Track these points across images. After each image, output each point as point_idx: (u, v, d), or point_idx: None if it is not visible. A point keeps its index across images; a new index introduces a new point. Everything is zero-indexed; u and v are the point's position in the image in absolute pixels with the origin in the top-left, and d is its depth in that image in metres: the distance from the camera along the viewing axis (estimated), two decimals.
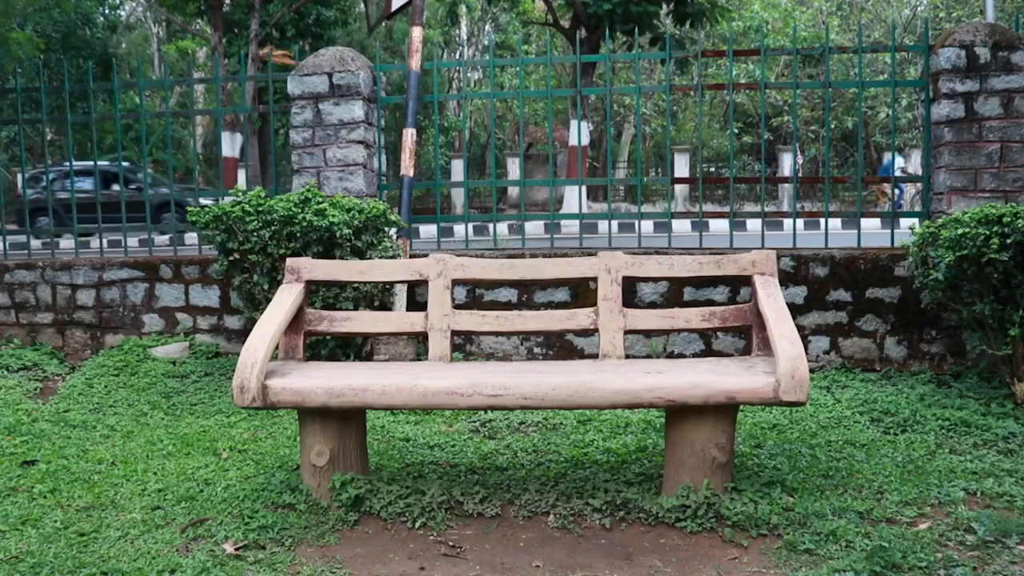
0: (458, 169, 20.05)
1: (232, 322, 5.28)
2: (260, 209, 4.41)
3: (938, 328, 4.61)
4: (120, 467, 3.43)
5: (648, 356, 4.86)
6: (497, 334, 3.34)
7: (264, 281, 4.45)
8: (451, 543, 2.70)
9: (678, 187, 18.67)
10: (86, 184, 14.10)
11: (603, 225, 13.07)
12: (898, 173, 15.35)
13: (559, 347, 4.96)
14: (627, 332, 3.23)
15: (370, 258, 4.53)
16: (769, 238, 5.31)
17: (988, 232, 3.68)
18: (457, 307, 4.87)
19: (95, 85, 5.73)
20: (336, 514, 2.86)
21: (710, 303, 4.77)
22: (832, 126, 21.54)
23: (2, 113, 17.50)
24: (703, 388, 2.70)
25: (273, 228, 4.38)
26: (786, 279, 4.74)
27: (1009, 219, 3.67)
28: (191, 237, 11.02)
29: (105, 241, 6.44)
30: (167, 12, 17.53)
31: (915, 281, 4.25)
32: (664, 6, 14.66)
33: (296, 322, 3.24)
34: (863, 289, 4.68)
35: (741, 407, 3.75)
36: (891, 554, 2.45)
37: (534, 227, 13.05)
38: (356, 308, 4.46)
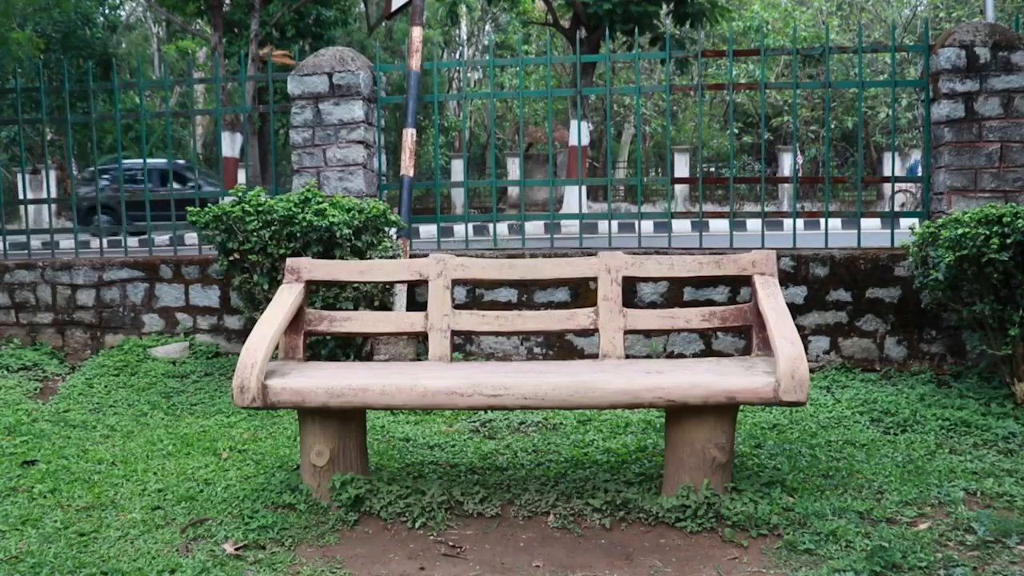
0: (458, 169, 20.05)
1: (232, 322, 5.28)
2: (260, 209, 4.41)
3: (938, 328, 4.61)
4: (120, 467, 3.43)
5: (648, 356, 4.86)
6: (497, 334, 3.34)
7: (264, 281, 4.45)
8: (451, 543, 2.70)
9: (678, 187, 18.68)
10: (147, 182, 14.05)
11: (603, 225, 13.07)
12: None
13: (559, 347, 4.96)
14: (627, 332, 3.23)
15: (370, 258, 4.53)
16: (769, 238, 5.31)
17: (988, 232, 3.68)
18: (457, 307, 4.87)
19: (95, 85, 5.74)
20: (336, 514, 2.86)
21: (710, 303, 4.77)
22: (832, 126, 21.55)
23: (2, 113, 17.50)
24: (703, 388, 2.70)
25: (273, 228, 4.38)
26: (786, 279, 4.74)
27: (1009, 219, 3.67)
28: (191, 237, 11.03)
29: (106, 241, 6.43)
30: (167, 12, 17.53)
31: (915, 281, 4.25)
32: (664, 6, 14.66)
33: (296, 322, 3.24)
34: (863, 289, 4.68)
35: (741, 407, 3.75)
36: (891, 554, 2.45)
37: (534, 227, 13.05)
38: (356, 308, 4.46)
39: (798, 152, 21.31)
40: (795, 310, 4.69)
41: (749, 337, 3.29)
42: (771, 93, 21.04)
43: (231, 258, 4.50)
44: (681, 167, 19.30)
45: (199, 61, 24.72)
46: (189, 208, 4.59)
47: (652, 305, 4.83)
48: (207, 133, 24.62)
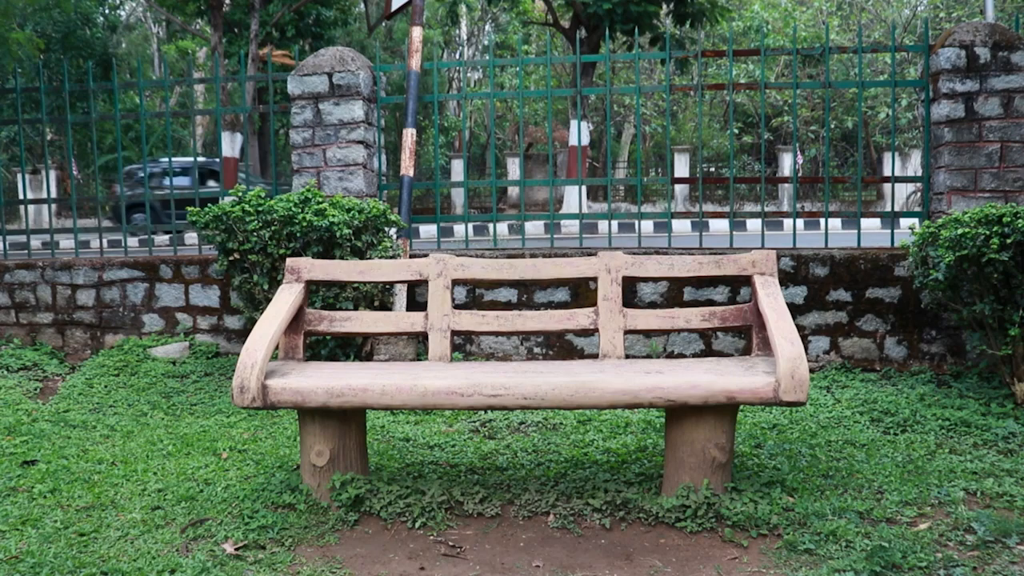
0: (458, 169, 20.05)
1: (232, 322, 5.28)
2: (260, 209, 4.41)
3: (938, 328, 4.61)
4: (120, 467, 3.43)
5: (648, 356, 4.86)
6: (497, 334, 3.34)
7: (264, 281, 4.45)
8: (451, 543, 2.70)
9: (678, 187, 18.68)
10: (184, 180, 13.89)
11: (603, 225, 13.08)
12: None
13: (559, 347, 4.96)
14: (627, 332, 3.24)
15: (370, 258, 4.53)
16: (769, 238, 5.31)
17: (988, 232, 3.68)
18: (457, 307, 4.87)
19: (95, 85, 5.73)
20: (336, 514, 2.86)
21: (710, 303, 4.77)
22: (832, 126, 21.54)
23: (2, 113, 17.51)
24: (703, 388, 2.70)
25: (273, 228, 4.38)
26: (786, 279, 4.74)
27: (1009, 219, 3.67)
28: (191, 237, 11.03)
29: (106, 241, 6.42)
30: (167, 12, 17.54)
31: (915, 281, 4.25)
32: (664, 6, 14.65)
33: (296, 322, 3.25)
34: (863, 289, 4.68)
35: (741, 407, 3.75)
36: (891, 554, 2.45)
37: (534, 227, 13.06)
38: (356, 308, 4.46)
39: (798, 152, 21.30)
40: (795, 310, 4.69)
41: (749, 337, 3.29)
42: (771, 93, 21.04)
43: (231, 258, 4.50)
44: (681, 167, 19.30)
45: (199, 61, 24.73)
46: (191, 209, 4.59)
47: (652, 305, 4.83)
48: (207, 133, 24.62)
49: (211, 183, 14.37)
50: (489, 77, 7.22)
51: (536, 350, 4.98)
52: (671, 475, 2.88)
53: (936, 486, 3.02)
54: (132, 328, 5.41)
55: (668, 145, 5.24)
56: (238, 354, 3.28)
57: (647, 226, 13.66)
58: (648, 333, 3.70)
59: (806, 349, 4.69)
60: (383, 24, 24.02)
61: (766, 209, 8.95)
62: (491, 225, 13.23)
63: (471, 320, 3.29)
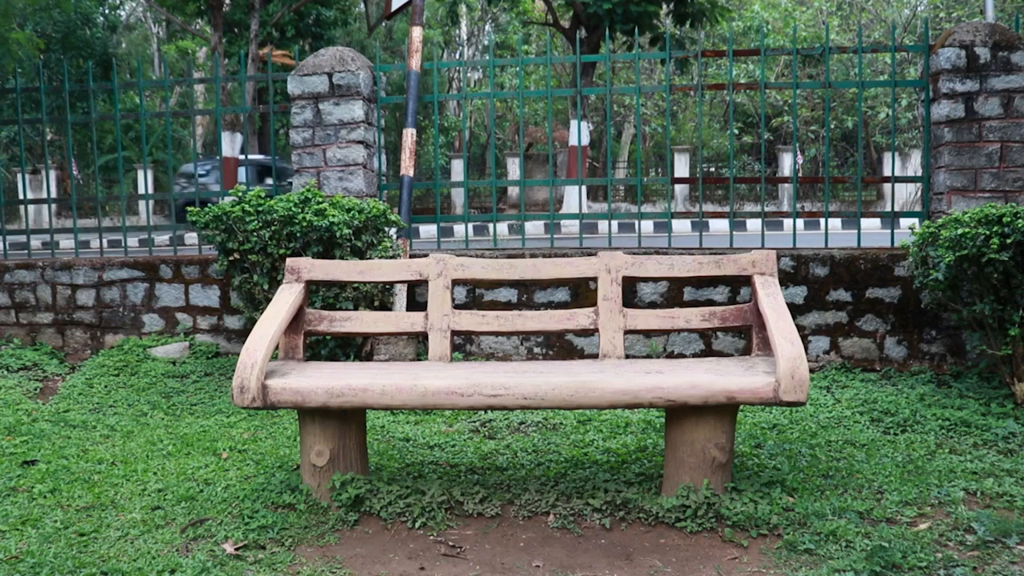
0: (458, 169, 20.05)
1: (232, 322, 5.28)
2: (260, 209, 4.41)
3: (938, 328, 4.61)
4: (120, 467, 3.43)
5: (648, 356, 4.86)
6: (497, 334, 3.34)
7: (264, 281, 4.45)
8: (451, 543, 2.70)
9: (678, 187, 18.67)
10: (239, 178, 13.80)
11: (603, 225, 13.08)
12: None
13: (559, 347, 4.96)
14: (627, 332, 3.24)
15: (370, 258, 4.53)
16: (769, 238, 5.31)
17: (988, 232, 3.69)
18: (457, 307, 4.87)
19: (95, 85, 5.73)
20: (336, 514, 2.86)
21: (710, 303, 4.77)
22: (832, 126, 21.54)
23: (2, 113, 17.50)
24: (703, 388, 2.70)
25: (273, 228, 4.39)
26: (786, 279, 4.74)
27: (1009, 219, 3.67)
28: (191, 237, 11.03)
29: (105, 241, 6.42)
30: (167, 12, 17.54)
31: (915, 281, 4.25)
32: (664, 6, 14.65)
33: (296, 322, 3.25)
34: (863, 289, 4.68)
35: (741, 407, 3.75)
36: (891, 554, 2.45)
37: (534, 227, 13.06)
38: (356, 308, 4.46)
39: (798, 152, 21.30)
40: (795, 310, 4.69)
41: (749, 337, 3.29)
42: (771, 93, 21.04)
43: (231, 258, 4.50)
44: (681, 167, 19.29)
45: (199, 61, 24.73)
46: (190, 209, 4.59)
47: (652, 305, 4.83)
48: (207, 133, 24.62)
49: (268, 180, 14.36)
50: (489, 77, 7.22)
51: (536, 350, 4.98)
52: (671, 475, 2.88)
53: (936, 486, 3.02)
54: (132, 328, 5.41)
55: (668, 145, 5.24)
56: (238, 354, 3.28)
57: (647, 226, 13.66)
58: (648, 333, 3.70)
59: (806, 349, 4.69)
60: (383, 24, 24.02)
61: (766, 209, 8.95)
62: (491, 225, 13.23)
63: (471, 320, 3.29)
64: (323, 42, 18.84)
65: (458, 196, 19.42)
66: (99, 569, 2.50)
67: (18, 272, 5.53)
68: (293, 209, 4.39)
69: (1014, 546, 2.55)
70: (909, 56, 18.16)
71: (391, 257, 4.70)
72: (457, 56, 27.45)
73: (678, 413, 2.82)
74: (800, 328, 4.69)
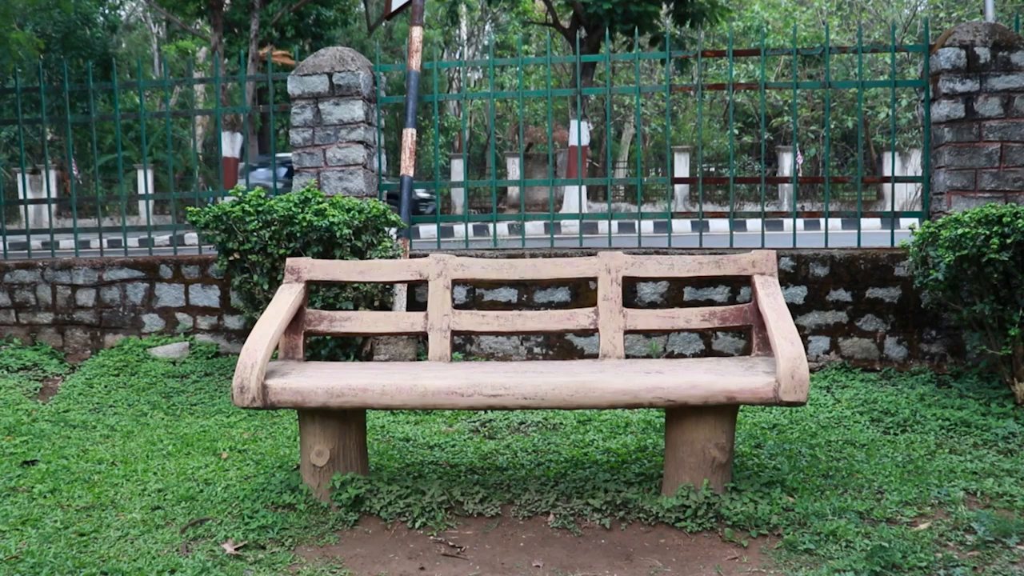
0: (458, 169, 20.05)
1: (232, 322, 5.28)
2: (260, 209, 4.41)
3: (938, 328, 4.61)
4: (120, 467, 3.43)
5: (648, 356, 4.86)
6: (497, 334, 3.34)
7: (264, 281, 4.45)
8: (451, 543, 2.70)
9: (678, 187, 18.67)
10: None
11: (603, 225, 13.08)
12: None
13: (559, 347, 4.96)
14: (627, 332, 3.24)
15: (370, 258, 4.53)
16: (769, 238, 5.31)
17: (988, 232, 3.69)
18: (457, 307, 4.87)
19: (95, 85, 5.73)
20: (336, 514, 2.86)
21: (710, 303, 4.77)
22: (832, 126, 21.54)
23: (2, 113, 17.50)
24: (703, 388, 2.70)
25: (273, 228, 4.39)
26: (786, 279, 4.74)
27: (1009, 219, 3.67)
28: (191, 237, 11.03)
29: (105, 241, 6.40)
30: (167, 12, 17.54)
31: (915, 281, 4.25)
32: (664, 6, 14.66)
33: (296, 322, 3.25)
34: (863, 289, 4.68)
35: (741, 407, 3.75)
36: (891, 554, 2.45)
37: (534, 227, 13.06)
38: (356, 308, 4.46)
39: (798, 152, 21.30)
40: (795, 310, 4.69)
41: (749, 337, 3.29)
42: (771, 93, 21.04)
43: (231, 258, 4.50)
44: (681, 167, 19.30)
45: (199, 61, 24.73)
46: (190, 209, 4.59)
47: (652, 305, 4.83)
48: (207, 133, 24.63)
49: None
50: (489, 77, 7.22)
51: (536, 350, 4.98)
52: (671, 475, 2.88)
53: (936, 486, 3.02)
54: (132, 328, 5.41)
55: (668, 145, 5.24)
56: (238, 354, 3.28)
57: (647, 226, 13.66)
58: (648, 333, 3.70)
59: (806, 349, 4.69)
60: (383, 24, 24.02)
61: (766, 209, 8.95)
62: (491, 225, 13.23)
63: (471, 320, 3.29)
64: (323, 42, 18.84)
65: (458, 196, 19.42)
66: (99, 569, 2.50)
67: (18, 272, 5.53)
68: (293, 209, 4.39)
69: (1014, 546, 2.55)
70: (909, 56, 18.16)
71: (391, 257, 4.70)
72: (457, 56, 27.45)
73: (678, 413, 2.82)
74: (800, 328, 4.69)
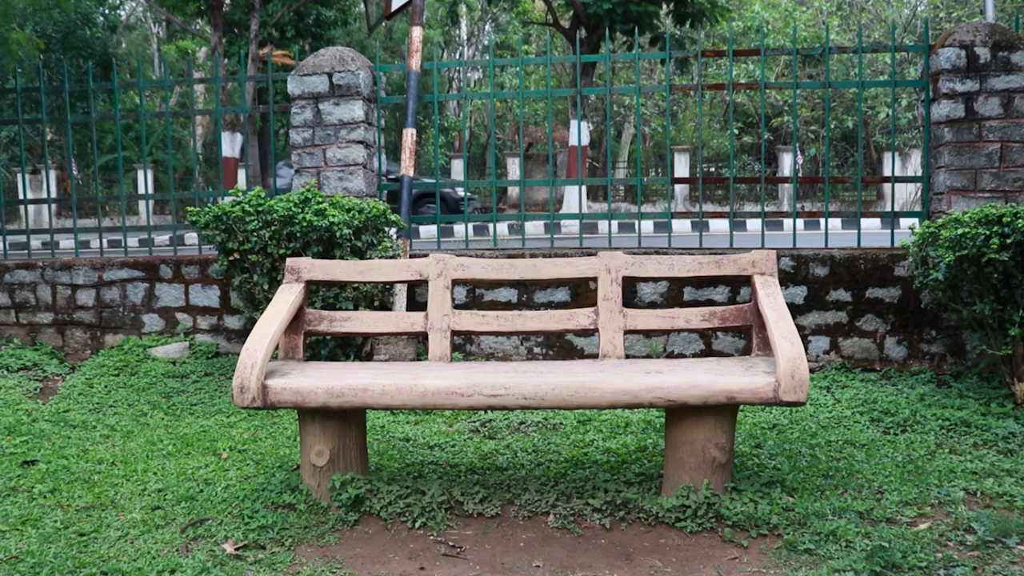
0: (458, 169, 20.05)
1: (232, 322, 5.28)
2: (260, 209, 4.41)
3: (938, 328, 4.61)
4: (120, 467, 3.43)
5: (648, 356, 4.86)
6: (497, 334, 3.34)
7: (264, 281, 4.45)
8: (451, 543, 2.70)
9: (678, 187, 18.67)
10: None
11: (603, 225, 13.08)
12: None
13: (559, 347, 4.96)
14: (627, 332, 3.24)
15: (370, 258, 4.53)
16: (769, 238, 5.31)
17: (988, 232, 3.69)
18: (457, 307, 4.87)
19: (95, 85, 5.73)
20: (336, 514, 2.86)
21: (710, 303, 4.77)
22: (832, 126, 21.54)
23: (2, 113, 17.50)
24: (703, 388, 2.70)
25: (273, 228, 4.39)
26: (786, 279, 4.74)
27: (1009, 219, 3.67)
28: (191, 237, 11.03)
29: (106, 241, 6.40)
30: (167, 12, 17.53)
31: (915, 281, 4.25)
32: (664, 6, 14.65)
33: (296, 322, 3.25)
34: (863, 289, 4.68)
35: (741, 407, 3.75)
36: (891, 554, 2.45)
37: (534, 227, 13.06)
38: (356, 308, 4.46)
39: (798, 152, 21.30)
40: (795, 310, 4.69)
41: (749, 337, 3.29)
42: (771, 93, 21.04)
43: (231, 258, 4.50)
44: (681, 167, 19.30)
45: (199, 61, 24.73)
46: (190, 209, 4.59)
47: (652, 305, 4.83)
48: (207, 133, 24.63)
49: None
50: (489, 77, 7.22)
51: (536, 350, 4.98)
52: (671, 475, 2.88)
53: (936, 486, 3.02)
54: (132, 328, 5.41)
55: (668, 145, 5.24)
56: (238, 354, 3.28)
57: (647, 226, 13.66)
58: (648, 333, 3.70)
59: (806, 349, 4.69)
60: (383, 24, 24.02)
61: (766, 209, 8.95)
62: (491, 225, 13.23)
63: (471, 320, 3.29)
64: (323, 42, 18.84)
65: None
66: (99, 569, 2.50)
67: (18, 272, 5.53)
68: (293, 209, 4.39)
69: (1014, 546, 2.55)
70: (909, 56, 18.16)
71: (391, 257, 4.70)
72: (457, 56, 27.45)
73: (678, 413, 2.82)
74: (800, 328, 4.69)
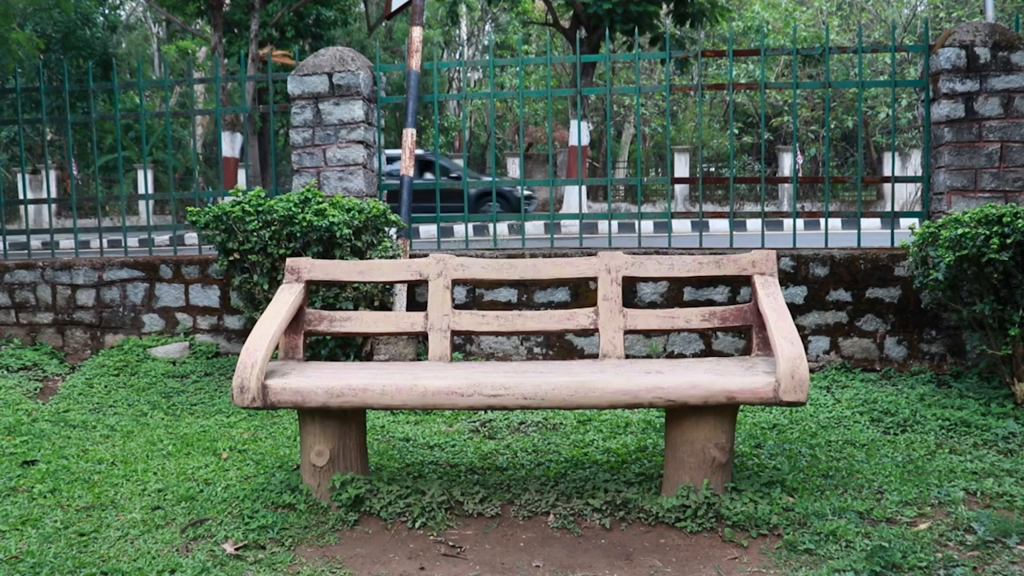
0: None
1: (232, 322, 5.28)
2: (260, 209, 4.41)
3: (938, 328, 4.61)
4: (120, 467, 3.43)
5: (648, 356, 4.86)
6: (497, 334, 3.34)
7: (264, 281, 4.45)
8: (451, 543, 2.70)
9: (678, 187, 18.68)
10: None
11: (603, 225, 13.08)
12: None
13: (559, 347, 4.96)
14: (627, 332, 3.24)
15: (370, 258, 4.53)
16: (769, 238, 5.31)
17: (988, 232, 3.68)
18: (457, 307, 4.87)
19: (95, 85, 5.73)
20: (336, 514, 2.86)
21: (710, 303, 4.77)
22: (832, 126, 21.54)
23: (2, 113, 17.50)
24: (703, 388, 2.70)
25: (273, 228, 4.38)
26: (786, 279, 4.74)
27: (1009, 219, 3.67)
28: (191, 237, 11.02)
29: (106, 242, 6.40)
30: (167, 12, 17.53)
31: (915, 281, 4.25)
32: (664, 6, 14.65)
33: (296, 322, 3.25)
34: (863, 289, 4.68)
35: (741, 407, 3.75)
36: (891, 554, 2.45)
37: (534, 227, 13.06)
38: (356, 308, 4.46)
39: (798, 152, 21.30)
40: (795, 310, 4.69)
41: (749, 337, 3.29)
42: (771, 93, 21.04)
43: (231, 258, 4.50)
44: (681, 167, 19.30)
45: (199, 61, 24.73)
46: (191, 209, 4.59)
47: (652, 305, 4.83)
48: (207, 133, 24.63)
49: (428, 175, 14.32)
50: (489, 77, 7.22)
51: (536, 350, 4.98)
52: (671, 475, 2.88)
53: (936, 486, 3.02)
54: (132, 328, 5.41)
55: (668, 145, 5.24)
56: (238, 354, 3.28)
57: (647, 226, 13.66)
58: (648, 333, 3.70)
59: (806, 349, 4.69)
60: (383, 24, 24.02)
61: (766, 209, 8.95)
62: (491, 225, 13.23)
63: (471, 320, 3.29)
64: (323, 42, 18.84)
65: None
66: (99, 569, 2.50)
67: (18, 272, 5.53)
68: (293, 209, 4.39)
69: (1014, 546, 2.55)
70: (909, 56, 18.16)
71: (391, 257, 4.70)
72: (457, 56, 27.45)
73: (678, 413, 2.82)
74: (800, 328, 4.69)
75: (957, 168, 4.69)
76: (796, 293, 4.74)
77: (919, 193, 6.21)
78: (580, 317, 3.26)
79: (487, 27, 27.43)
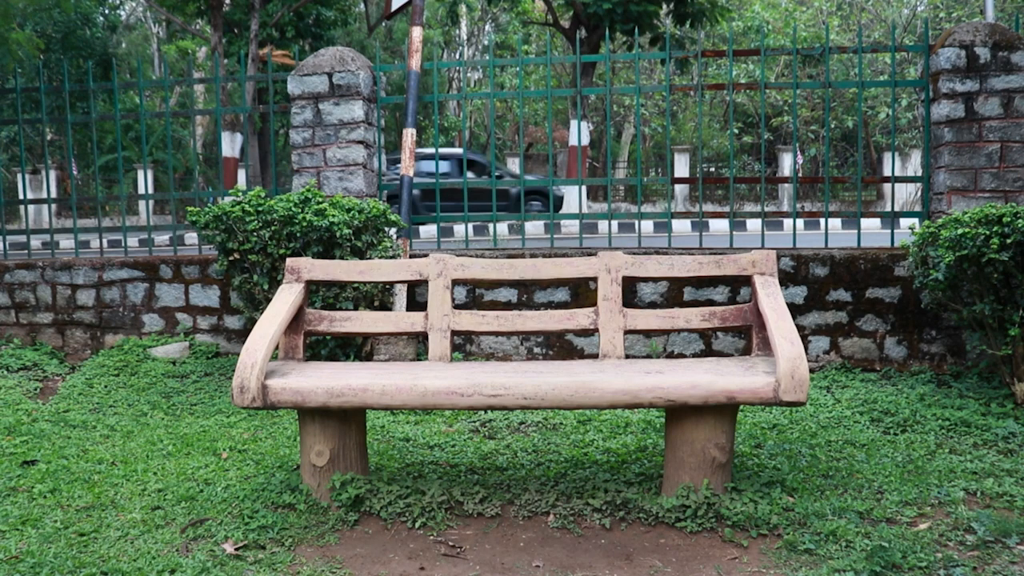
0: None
1: (232, 322, 5.28)
2: (260, 209, 4.41)
3: (938, 328, 4.61)
4: (120, 467, 3.43)
5: (648, 356, 4.86)
6: (497, 334, 3.34)
7: (264, 281, 4.45)
8: (451, 543, 2.70)
9: (678, 187, 18.68)
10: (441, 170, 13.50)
11: (603, 225, 13.08)
12: None
13: (559, 347, 4.96)
14: (627, 332, 3.23)
15: (370, 258, 4.53)
16: (769, 238, 5.31)
17: (988, 232, 3.68)
18: (457, 307, 4.87)
19: (95, 85, 5.73)
20: (336, 514, 2.86)
21: (710, 303, 4.77)
22: (832, 126, 21.54)
23: (2, 113, 17.50)
24: (703, 388, 2.70)
25: (273, 228, 4.38)
26: (786, 279, 4.74)
27: (1009, 219, 3.67)
28: (191, 237, 11.02)
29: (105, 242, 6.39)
30: (167, 12, 17.54)
31: (915, 281, 4.25)
32: (664, 6, 14.66)
33: (296, 322, 3.25)
34: (863, 289, 4.68)
35: (741, 407, 3.75)
36: (891, 554, 2.45)
37: (534, 227, 13.06)
38: (356, 308, 4.46)
39: (798, 152, 21.30)
40: (795, 310, 4.69)
41: (749, 337, 3.29)
42: (771, 93, 21.03)
43: (231, 258, 4.50)
44: (681, 167, 19.31)
45: (199, 61, 24.73)
46: (190, 209, 4.59)
47: (652, 305, 4.83)
48: (207, 133, 24.63)
49: (470, 174, 14.27)
50: (489, 77, 7.22)
51: (536, 350, 4.98)
52: (671, 475, 2.88)
53: (936, 486, 3.02)
54: (132, 328, 5.41)
55: (668, 145, 5.24)
56: (238, 354, 3.28)
57: (647, 226, 13.66)
58: (648, 333, 3.70)
59: (806, 349, 4.69)
60: (383, 24, 24.02)
61: (766, 209, 8.96)
62: (491, 225, 13.23)
63: (471, 320, 3.29)
64: (323, 42, 18.84)
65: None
66: (99, 569, 2.50)
67: (18, 272, 5.53)
68: (293, 209, 4.39)
69: (1014, 546, 2.55)
70: (909, 56, 18.16)
71: (391, 257, 4.70)
72: (457, 56, 27.45)
73: (678, 413, 2.82)
74: (800, 328, 4.69)
75: (957, 168, 4.69)
76: (796, 293, 4.74)
77: (919, 193, 6.21)
78: (580, 317, 3.26)
79: (487, 27, 27.43)
